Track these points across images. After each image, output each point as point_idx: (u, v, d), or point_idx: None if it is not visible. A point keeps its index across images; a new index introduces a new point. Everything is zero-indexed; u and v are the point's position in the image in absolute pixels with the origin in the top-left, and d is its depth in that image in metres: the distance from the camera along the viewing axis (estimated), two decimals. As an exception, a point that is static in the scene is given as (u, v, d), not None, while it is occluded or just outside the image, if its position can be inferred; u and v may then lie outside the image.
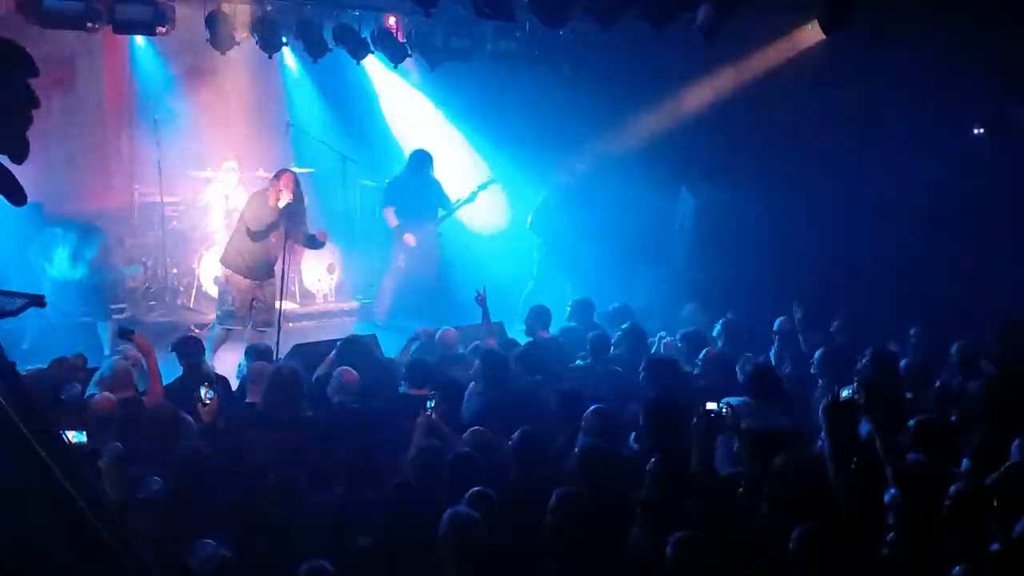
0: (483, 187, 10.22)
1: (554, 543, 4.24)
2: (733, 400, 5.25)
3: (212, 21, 8.59)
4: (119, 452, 4.86)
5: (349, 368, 6.32)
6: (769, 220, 9.42)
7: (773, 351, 7.23)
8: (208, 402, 5.72)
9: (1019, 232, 7.74)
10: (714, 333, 7.38)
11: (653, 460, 4.64)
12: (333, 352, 6.97)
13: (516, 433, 5.06)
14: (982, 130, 8.41)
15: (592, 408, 5.40)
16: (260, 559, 4.31)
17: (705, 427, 4.72)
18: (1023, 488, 4.27)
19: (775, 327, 7.40)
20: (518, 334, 8.14)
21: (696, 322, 8.09)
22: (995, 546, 3.77)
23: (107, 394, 5.71)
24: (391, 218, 10.00)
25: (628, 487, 4.72)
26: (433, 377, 6.32)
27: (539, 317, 7.78)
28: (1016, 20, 7.53)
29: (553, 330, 7.95)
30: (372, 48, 9.52)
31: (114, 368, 6.14)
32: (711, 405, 4.83)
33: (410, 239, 9.91)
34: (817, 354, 6.48)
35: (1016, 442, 4.70)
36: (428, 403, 5.66)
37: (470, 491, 4.39)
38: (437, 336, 7.37)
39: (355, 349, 6.79)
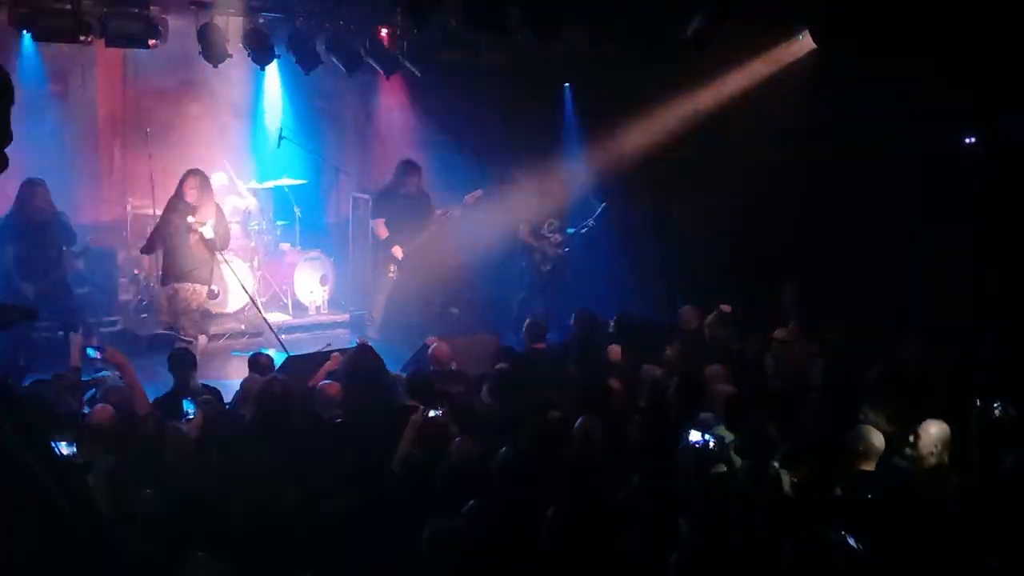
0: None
1: (544, 558, 4.23)
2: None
3: (204, 34, 8.60)
4: (111, 466, 4.85)
5: (330, 382, 6.32)
6: (756, 232, 9.45)
7: (769, 361, 7.25)
8: (192, 417, 5.75)
9: (1010, 243, 7.78)
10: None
11: (638, 477, 4.66)
12: (328, 363, 6.98)
13: (503, 450, 5.05)
14: (973, 139, 8.46)
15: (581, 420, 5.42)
16: (253, 573, 4.29)
17: (694, 459, 4.74)
18: None
19: (772, 335, 7.45)
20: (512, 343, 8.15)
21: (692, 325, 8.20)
22: None
23: (106, 405, 5.72)
24: (381, 230, 9.97)
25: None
26: (434, 391, 6.28)
27: (532, 330, 7.81)
28: (1005, 33, 7.59)
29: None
30: (364, 60, 9.54)
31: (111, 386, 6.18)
32: (695, 436, 4.83)
33: (398, 251, 9.87)
34: (814, 364, 6.51)
35: None
36: (426, 411, 5.63)
37: (466, 505, 4.39)
38: (429, 351, 7.35)
39: (364, 358, 6.76)
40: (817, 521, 4.20)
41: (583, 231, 10.45)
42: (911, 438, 5.16)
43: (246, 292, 9.11)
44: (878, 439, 5.19)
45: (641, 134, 10.62)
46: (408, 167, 10.07)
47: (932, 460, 5.06)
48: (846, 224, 8.96)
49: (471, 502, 4.41)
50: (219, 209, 8.65)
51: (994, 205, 7.88)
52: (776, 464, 5.07)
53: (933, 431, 5.12)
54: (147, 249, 8.74)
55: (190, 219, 8.20)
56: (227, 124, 10.66)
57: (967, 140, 8.41)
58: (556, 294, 10.35)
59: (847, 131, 8.93)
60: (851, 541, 4.06)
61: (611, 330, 8.30)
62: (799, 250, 9.16)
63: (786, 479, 4.68)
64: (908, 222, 8.36)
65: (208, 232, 8.23)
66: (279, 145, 10.50)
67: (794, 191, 9.17)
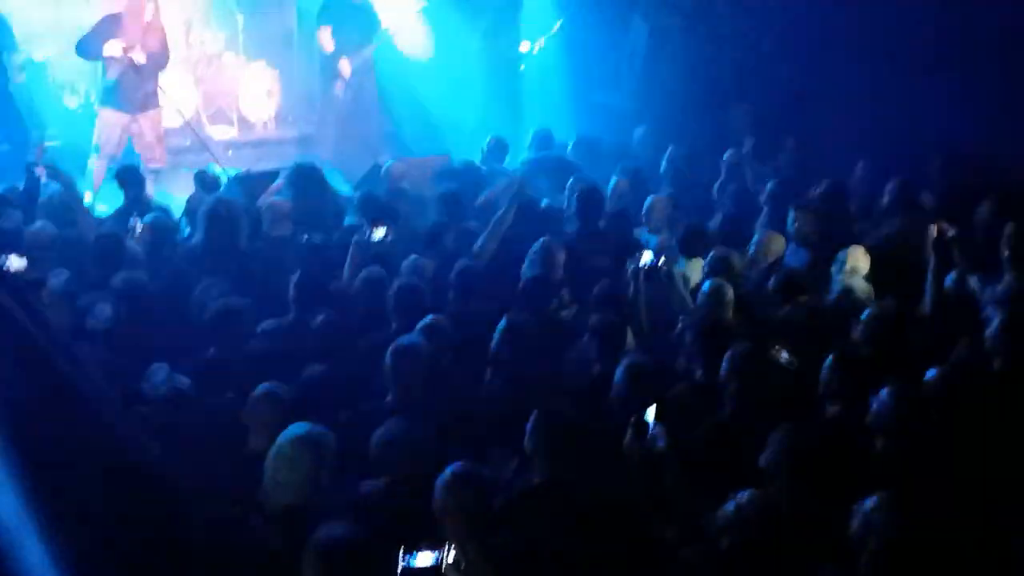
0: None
1: (498, 364, 4.41)
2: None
3: None
4: (65, 280, 4.84)
5: (281, 199, 6.26)
6: (720, 49, 9.30)
7: (718, 183, 7.30)
8: (139, 232, 5.74)
9: (967, 67, 7.75)
10: (661, 170, 7.51)
11: (597, 287, 4.84)
12: (279, 180, 6.90)
13: (457, 264, 5.15)
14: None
15: (541, 241, 5.50)
16: (212, 386, 4.38)
17: (644, 277, 4.90)
18: None
19: (724, 158, 7.48)
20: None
21: (646, 146, 8.25)
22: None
23: (47, 222, 5.65)
24: (327, 41, 9.48)
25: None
26: (385, 211, 6.25)
27: (495, 149, 7.76)
28: None
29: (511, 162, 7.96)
30: None
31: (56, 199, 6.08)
32: (647, 256, 4.98)
33: (345, 66, 9.45)
34: (768, 186, 6.59)
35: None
36: (371, 231, 5.63)
37: (421, 321, 4.48)
38: (383, 170, 7.27)
39: (306, 176, 6.66)
40: (756, 338, 4.38)
41: (541, 46, 10.17)
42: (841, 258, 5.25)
43: (182, 116, 8.70)
44: (779, 243, 5.55)
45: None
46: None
47: (856, 282, 5.18)
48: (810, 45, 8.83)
49: (427, 317, 4.51)
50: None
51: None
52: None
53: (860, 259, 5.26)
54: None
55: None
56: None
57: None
58: (514, 113, 10.15)
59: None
60: (784, 355, 4.27)
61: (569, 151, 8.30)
62: (757, 71, 9.06)
63: (730, 296, 4.85)
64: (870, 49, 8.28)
65: (140, 58, 7.72)
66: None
67: (761, 11, 8.96)
